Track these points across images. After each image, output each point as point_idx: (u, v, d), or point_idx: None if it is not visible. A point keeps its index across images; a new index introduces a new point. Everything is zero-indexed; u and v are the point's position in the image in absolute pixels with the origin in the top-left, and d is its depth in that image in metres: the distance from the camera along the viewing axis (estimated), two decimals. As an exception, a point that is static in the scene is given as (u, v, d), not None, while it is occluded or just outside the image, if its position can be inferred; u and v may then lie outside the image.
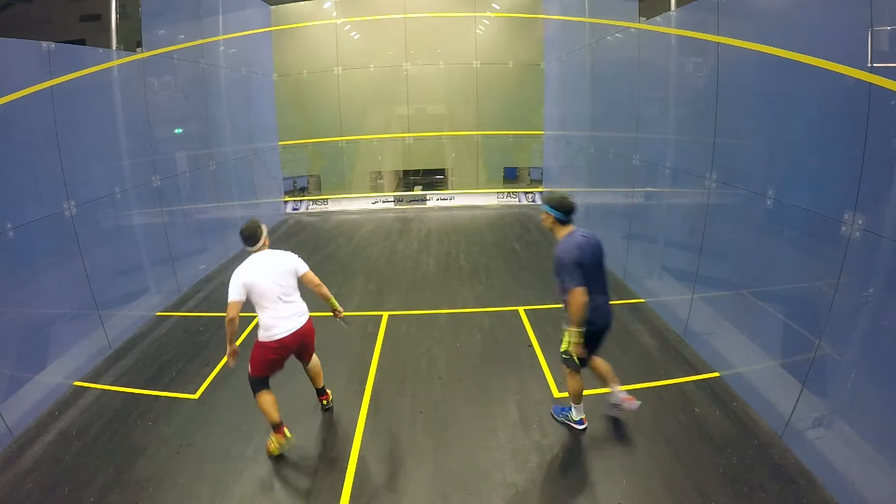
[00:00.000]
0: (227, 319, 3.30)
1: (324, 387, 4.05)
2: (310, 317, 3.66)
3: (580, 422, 3.77)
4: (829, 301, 3.15)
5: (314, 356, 3.88)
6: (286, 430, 3.52)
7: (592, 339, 3.48)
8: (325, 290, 3.72)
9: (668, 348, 4.94)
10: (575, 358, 3.48)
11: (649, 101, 6.12)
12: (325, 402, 4.08)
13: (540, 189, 12.00)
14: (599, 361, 3.79)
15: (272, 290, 3.41)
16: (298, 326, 3.53)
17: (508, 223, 10.33)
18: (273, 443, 3.52)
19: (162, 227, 6.42)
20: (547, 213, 3.44)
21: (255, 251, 3.53)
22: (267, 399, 3.52)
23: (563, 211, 3.39)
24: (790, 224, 3.63)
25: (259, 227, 3.62)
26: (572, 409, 3.79)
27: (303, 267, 3.63)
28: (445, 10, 11.33)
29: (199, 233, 7.63)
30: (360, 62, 11.49)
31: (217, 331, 5.56)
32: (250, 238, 3.55)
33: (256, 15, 10.39)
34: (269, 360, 3.52)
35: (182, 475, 3.44)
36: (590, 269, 3.33)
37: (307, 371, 3.94)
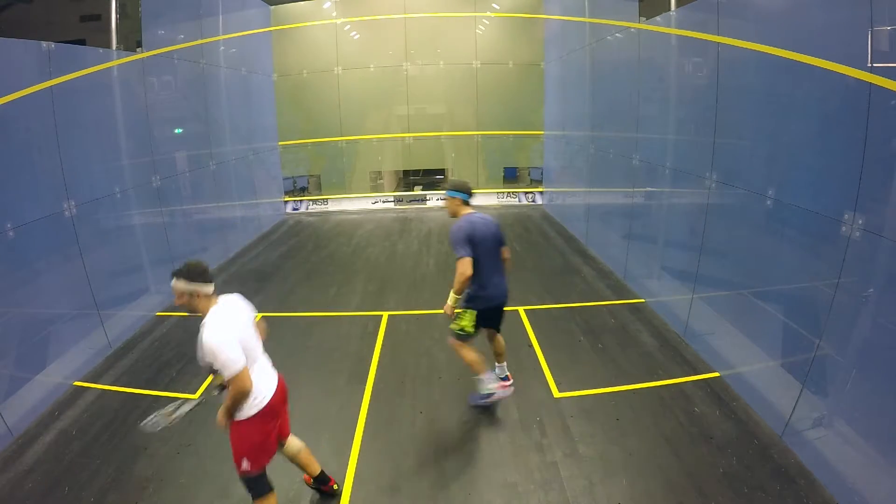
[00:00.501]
0: (242, 391, 2.53)
1: (323, 470, 3.21)
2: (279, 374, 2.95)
3: (505, 380, 4.12)
4: (829, 301, 3.15)
5: (294, 437, 3.08)
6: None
7: (493, 314, 3.91)
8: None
9: (668, 348, 4.94)
10: (469, 330, 3.78)
11: (649, 101, 6.12)
12: (334, 486, 3.25)
13: (540, 189, 12.01)
14: (499, 339, 4.16)
15: (253, 344, 2.75)
16: (277, 381, 2.85)
17: (508, 223, 10.32)
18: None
19: (162, 227, 6.42)
20: (452, 197, 3.83)
21: (210, 294, 2.73)
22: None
23: (467, 192, 3.83)
24: (790, 224, 3.63)
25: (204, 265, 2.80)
26: (484, 381, 3.90)
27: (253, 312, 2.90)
28: (445, 10, 11.33)
29: (199, 233, 7.64)
30: (360, 62, 11.48)
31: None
32: (204, 273, 2.73)
33: (256, 15, 10.39)
34: (269, 438, 2.77)
35: (182, 475, 3.44)
36: (483, 247, 3.66)
37: (290, 456, 3.07)
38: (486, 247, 3.68)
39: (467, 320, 3.77)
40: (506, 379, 4.24)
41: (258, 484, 2.78)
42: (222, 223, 8.34)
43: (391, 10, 11.26)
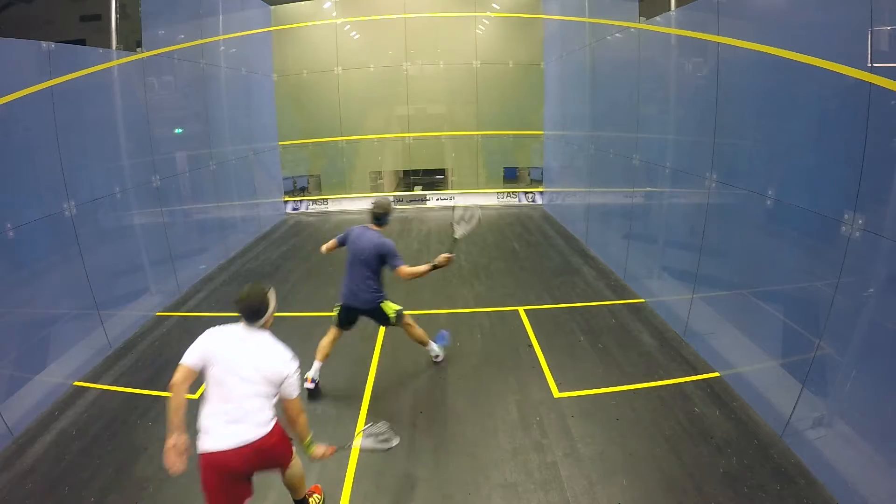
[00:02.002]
0: (169, 384, 2.45)
1: (305, 497, 3.03)
2: (268, 436, 2.50)
3: (442, 341, 4.80)
4: (829, 301, 3.15)
5: (289, 470, 2.83)
6: None
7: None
8: (301, 428, 2.69)
9: (668, 348, 4.94)
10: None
11: (649, 101, 6.12)
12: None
13: (540, 189, 12.01)
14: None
15: (232, 385, 2.46)
16: (236, 445, 2.40)
17: (508, 223, 10.33)
18: None
19: (162, 227, 6.42)
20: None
21: (249, 328, 2.63)
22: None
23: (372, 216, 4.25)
24: (790, 224, 3.63)
25: (265, 299, 2.67)
26: (433, 346, 4.70)
27: (293, 388, 2.57)
28: (445, 10, 11.33)
29: (199, 233, 7.64)
30: (360, 62, 11.48)
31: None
32: (251, 315, 2.62)
33: (256, 15, 10.39)
34: (205, 489, 2.48)
35: (182, 475, 3.42)
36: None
37: (284, 482, 2.89)
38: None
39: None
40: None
41: None
42: (222, 223, 8.34)
43: (391, 10, 11.26)
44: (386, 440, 3.03)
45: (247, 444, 2.41)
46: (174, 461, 2.42)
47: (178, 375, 2.47)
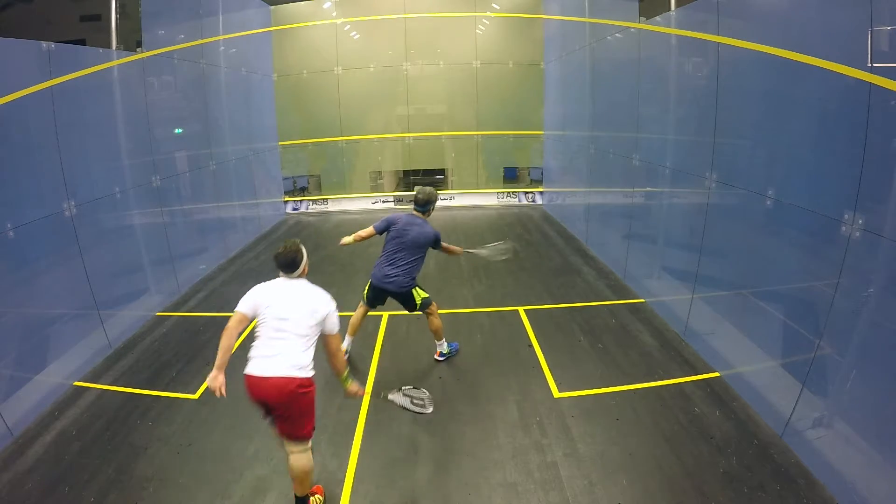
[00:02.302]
0: (225, 328, 2.83)
1: (307, 495, 3.03)
2: (297, 382, 2.78)
3: (454, 347, 4.91)
4: (829, 301, 3.15)
5: (299, 455, 2.92)
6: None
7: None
8: (339, 362, 3.03)
9: (668, 348, 4.94)
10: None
11: (649, 101, 6.12)
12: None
13: (540, 189, 12.01)
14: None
15: (276, 325, 2.83)
16: (269, 374, 2.75)
17: (508, 223, 10.33)
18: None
19: (162, 227, 6.42)
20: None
21: (288, 279, 3.00)
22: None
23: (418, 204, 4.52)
24: (790, 224, 3.63)
25: (299, 251, 2.99)
26: (444, 344, 4.79)
27: (333, 324, 2.93)
28: (445, 10, 11.32)
29: (199, 233, 7.64)
30: (360, 62, 11.48)
31: (217, 330, 5.54)
32: (288, 265, 2.97)
33: (256, 15, 10.39)
34: (249, 393, 2.84)
35: (182, 475, 3.44)
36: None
37: (290, 473, 2.98)
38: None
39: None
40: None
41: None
42: (222, 223, 8.34)
43: (391, 10, 11.26)
44: (421, 406, 3.30)
45: (282, 377, 2.75)
46: (214, 390, 2.82)
47: (233, 321, 2.85)
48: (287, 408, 2.81)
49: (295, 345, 2.81)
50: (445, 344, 4.83)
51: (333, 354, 3.01)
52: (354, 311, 4.75)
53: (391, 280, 4.44)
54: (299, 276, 3.02)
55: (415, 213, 4.55)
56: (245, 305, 2.88)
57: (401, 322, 5.69)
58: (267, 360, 2.79)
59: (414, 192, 4.61)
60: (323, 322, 2.90)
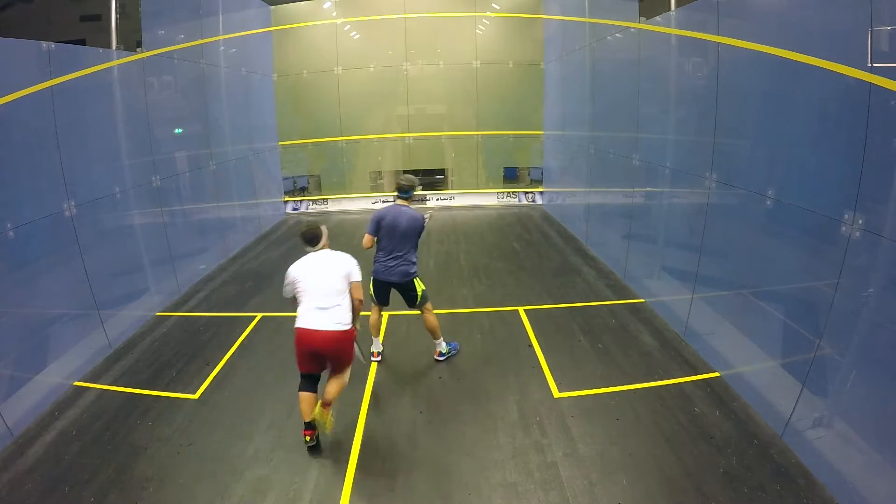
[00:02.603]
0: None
1: (328, 403, 3.58)
2: (344, 332, 3.54)
3: (453, 347, 4.91)
4: (829, 301, 3.15)
5: (339, 378, 3.63)
6: (308, 435, 3.58)
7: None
8: (358, 307, 3.75)
9: (668, 348, 4.94)
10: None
11: (649, 101, 6.12)
12: (307, 436, 3.59)
13: (540, 189, 12.01)
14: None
15: (316, 288, 3.54)
16: (321, 328, 3.46)
17: (508, 223, 10.33)
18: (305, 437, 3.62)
19: (162, 227, 6.42)
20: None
21: (314, 251, 3.71)
22: (302, 397, 3.58)
23: (401, 190, 4.60)
24: (790, 224, 3.63)
25: (319, 228, 3.77)
26: (442, 343, 4.80)
27: (356, 274, 3.70)
28: (445, 10, 11.32)
29: (199, 233, 7.64)
30: (360, 62, 11.48)
31: (217, 330, 5.56)
32: (312, 240, 3.71)
33: (256, 15, 10.39)
34: (297, 352, 3.56)
35: (182, 475, 3.44)
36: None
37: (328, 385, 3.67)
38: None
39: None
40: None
41: (300, 379, 3.63)
42: (222, 223, 8.34)
43: (391, 10, 11.25)
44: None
45: (327, 331, 3.48)
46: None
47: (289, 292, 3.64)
48: (336, 352, 3.56)
49: (336, 301, 3.54)
50: (444, 343, 4.83)
51: (359, 297, 3.72)
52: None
53: (395, 271, 4.49)
54: (321, 248, 3.71)
55: (399, 201, 4.59)
56: (287, 291, 3.65)
57: (401, 322, 5.69)
58: (317, 318, 3.48)
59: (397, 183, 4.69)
60: (349, 274, 3.64)
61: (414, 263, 4.56)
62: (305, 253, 3.70)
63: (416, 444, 3.71)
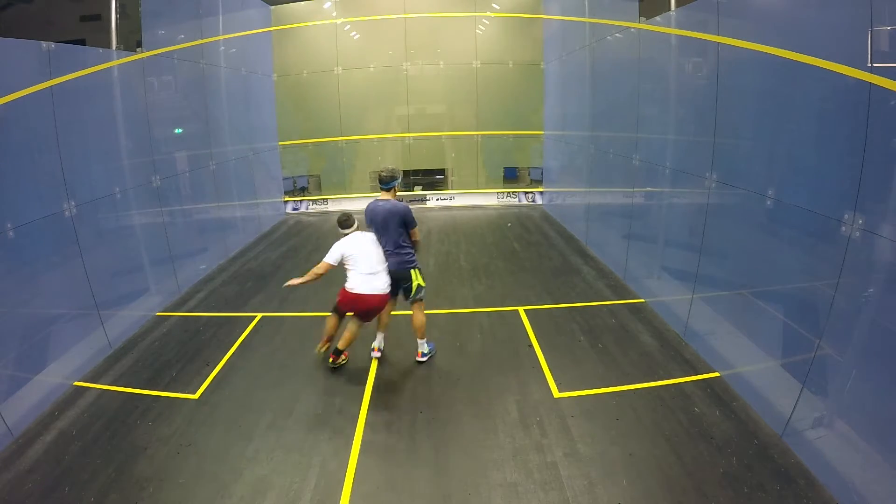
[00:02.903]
0: (315, 271, 4.42)
1: (341, 352, 4.68)
2: (384, 295, 4.49)
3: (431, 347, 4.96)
4: (829, 301, 3.15)
5: (360, 322, 4.62)
6: (322, 347, 4.70)
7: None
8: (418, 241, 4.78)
9: (668, 348, 4.94)
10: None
11: (649, 101, 6.12)
12: (332, 357, 4.68)
13: (540, 189, 12.01)
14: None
15: (365, 259, 4.40)
16: (371, 292, 4.41)
17: (508, 223, 10.32)
18: (319, 346, 4.72)
19: (162, 227, 6.42)
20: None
21: (349, 233, 4.54)
22: (330, 320, 4.65)
23: (382, 182, 4.62)
24: (790, 224, 3.63)
25: (352, 216, 4.65)
26: (425, 344, 4.86)
27: (411, 224, 4.59)
28: (445, 10, 11.32)
29: (199, 233, 7.64)
30: (360, 62, 11.48)
31: (217, 330, 5.56)
32: (346, 223, 4.59)
33: (256, 15, 10.39)
34: (346, 301, 4.50)
35: (182, 475, 3.44)
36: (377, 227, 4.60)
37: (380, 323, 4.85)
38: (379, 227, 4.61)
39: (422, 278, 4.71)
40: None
41: (334, 307, 4.66)
42: (222, 223, 8.34)
43: (391, 10, 11.26)
44: None
45: (375, 294, 4.44)
46: (295, 282, 4.55)
47: (321, 267, 4.42)
48: (380, 308, 4.57)
49: (380, 269, 4.47)
50: (425, 343, 4.84)
51: (417, 239, 4.70)
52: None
53: (390, 262, 4.56)
54: (355, 230, 4.57)
55: (381, 195, 4.63)
56: (332, 257, 4.41)
57: (400, 322, 5.69)
58: (369, 282, 4.40)
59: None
60: (406, 222, 4.53)
61: (409, 253, 4.58)
62: (343, 236, 4.50)
63: (416, 444, 3.71)
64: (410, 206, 4.63)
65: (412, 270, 4.58)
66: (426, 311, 4.81)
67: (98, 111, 5.39)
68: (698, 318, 4.90)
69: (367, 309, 4.47)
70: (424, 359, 4.81)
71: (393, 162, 12.16)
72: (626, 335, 5.25)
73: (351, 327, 4.59)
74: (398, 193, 4.77)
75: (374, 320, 4.75)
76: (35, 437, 3.87)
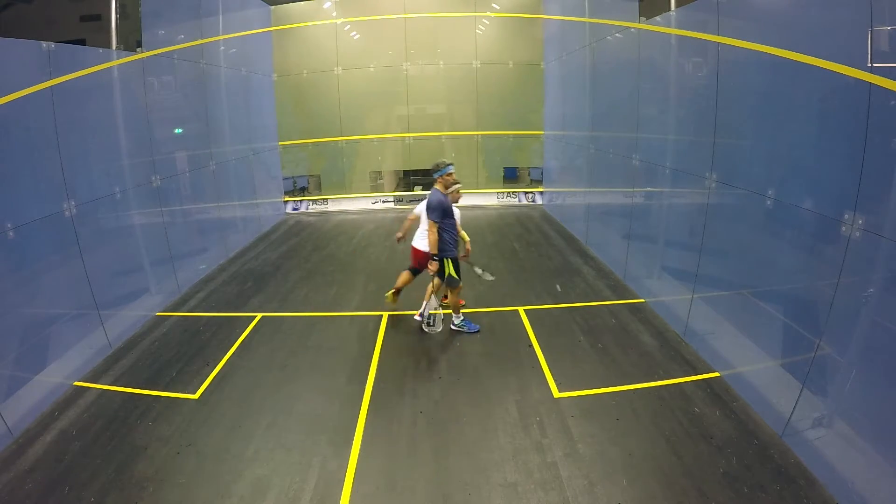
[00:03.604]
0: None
1: (399, 290, 5.74)
2: (420, 251, 5.41)
3: (470, 325, 5.43)
4: (829, 301, 3.15)
5: (432, 285, 5.37)
6: (392, 294, 5.74)
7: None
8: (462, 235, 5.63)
9: (668, 348, 4.94)
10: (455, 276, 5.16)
11: (649, 101, 6.12)
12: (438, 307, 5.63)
13: (540, 189, 12.01)
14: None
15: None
16: (420, 248, 5.44)
17: (508, 223, 10.33)
18: (388, 297, 5.76)
19: (162, 227, 6.42)
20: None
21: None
22: (404, 274, 5.69)
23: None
24: (790, 224, 3.63)
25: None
26: (461, 317, 5.41)
27: (426, 219, 5.18)
28: (445, 10, 11.32)
29: (199, 233, 7.63)
30: (360, 62, 11.48)
31: (217, 330, 5.57)
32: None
33: (256, 15, 10.39)
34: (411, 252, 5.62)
35: (182, 475, 3.44)
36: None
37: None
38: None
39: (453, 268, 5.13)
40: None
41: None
42: (222, 223, 8.34)
43: (391, 10, 11.26)
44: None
45: (417, 248, 5.50)
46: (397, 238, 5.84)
47: (410, 219, 5.68)
48: (418, 263, 5.53)
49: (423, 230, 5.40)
50: (458, 318, 5.42)
51: (460, 229, 5.54)
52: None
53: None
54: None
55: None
56: (414, 212, 5.58)
57: (401, 322, 5.69)
58: (417, 239, 5.49)
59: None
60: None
61: (442, 243, 5.03)
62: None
63: (416, 444, 3.71)
64: (412, 207, 4.73)
65: (444, 260, 5.04)
66: (432, 311, 4.99)
67: (98, 111, 5.39)
68: (698, 318, 4.90)
69: (414, 257, 5.57)
70: (455, 328, 5.43)
71: (393, 162, 12.19)
72: (626, 335, 5.25)
73: (404, 276, 5.70)
74: (454, 185, 5.12)
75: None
76: (35, 437, 3.87)
